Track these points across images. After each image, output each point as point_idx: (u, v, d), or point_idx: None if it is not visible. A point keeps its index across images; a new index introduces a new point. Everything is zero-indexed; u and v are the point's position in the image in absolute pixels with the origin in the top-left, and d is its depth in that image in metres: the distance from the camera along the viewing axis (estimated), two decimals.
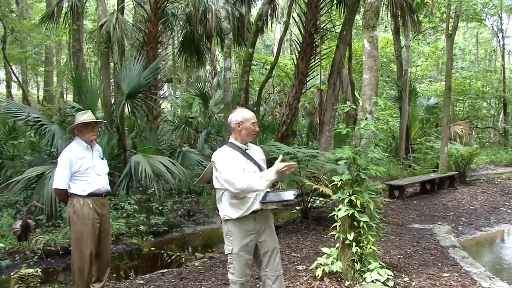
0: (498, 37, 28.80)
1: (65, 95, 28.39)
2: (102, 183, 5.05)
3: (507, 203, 12.07)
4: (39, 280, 5.45)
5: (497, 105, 29.05)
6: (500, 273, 7.20)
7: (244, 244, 3.94)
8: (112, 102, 10.95)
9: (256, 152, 4.14)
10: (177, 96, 22.77)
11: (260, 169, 4.00)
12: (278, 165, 3.79)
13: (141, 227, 8.83)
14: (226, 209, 3.94)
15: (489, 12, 25.72)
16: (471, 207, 11.46)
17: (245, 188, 3.74)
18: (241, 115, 4.01)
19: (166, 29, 15.25)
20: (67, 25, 15.83)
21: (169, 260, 7.81)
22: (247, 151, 4.03)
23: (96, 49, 14.23)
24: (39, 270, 5.73)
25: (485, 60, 36.17)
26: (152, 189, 9.56)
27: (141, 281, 6.09)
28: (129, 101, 10.41)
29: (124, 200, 9.37)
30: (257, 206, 3.91)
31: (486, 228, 9.93)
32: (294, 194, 3.94)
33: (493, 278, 6.12)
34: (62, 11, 13.06)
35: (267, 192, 3.94)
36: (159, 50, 13.87)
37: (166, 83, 25.26)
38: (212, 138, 15.14)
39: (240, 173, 3.82)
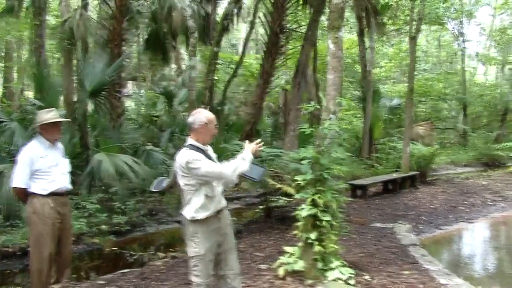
0: (459, 40, 29.40)
1: (25, 92, 27.82)
2: (63, 182, 4.96)
3: (465, 202, 12.37)
4: None
5: (457, 107, 29.65)
6: (457, 269, 7.36)
7: (210, 244, 3.96)
8: (75, 99, 10.78)
9: (210, 151, 4.17)
10: (141, 95, 22.51)
11: None
12: (250, 146, 4.03)
13: (103, 226, 8.71)
14: (194, 210, 3.93)
15: (450, 16, 26.24)
16: (431, 206, 11.69)
17: (232, 172, 3.90)
18: (205, 116, 4.01)
19: (131, 27, 15.06)
20: (28, 20, 15.50)
21: (131, 260, 7.74)
22: (207, 151, 4.06)
23: (58, 46, 13.98)
24: None
25: (446, 62, 36.80)
26: (115, 188, 9.45)
27: (102, 282, 6.00)
28: (92, 99, 10.27)
29: (86, 199, 9.23)
30: (222, 204, 4.02)
31: (445, 227, 10.15)
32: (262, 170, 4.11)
33: (451, 275, 6.29)
34: (23, 5, 12.79)
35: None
36: (123, 48, 13.70)
37: (131, 81, 25.00)
38: (176, 137, 15.03)
39: (218, 164, 3.99)
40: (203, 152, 3.99)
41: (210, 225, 3.96)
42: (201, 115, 4.02)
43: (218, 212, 4.00)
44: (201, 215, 3.91)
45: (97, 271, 6.96)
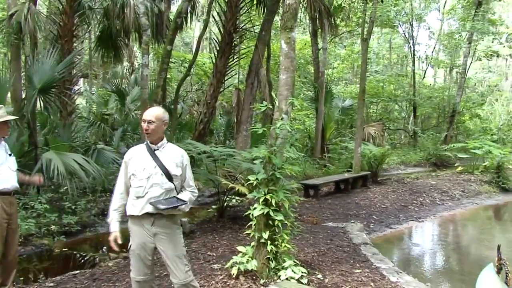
0: (409, 43, 30.06)
1: None
2: (10, 181, 4.84)
3: (415, 202, 12.66)
4: None
5: (407, 108, 30.28)
6: (407, 267, 7.59)
7: (140, 242, 3.96)
8: (23, 96, 10.49)
9: (170, 154, 4.06)
10: (93, 92, 22.14)
11: (166, 173, 3.96)
12: (114, 238, 4.00)
13: (53, 227, 8.49)
14: (127, 206, 4.00)
15: (401, 19, 26.82)
16: (382, 206, 11.91)
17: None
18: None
19: (82, 23, 14.76)
20: None
21: (82, 261, 7.59)
22: (156, 151, 4.01)
23: (5, 40, 13.57)
24: None
25: (397, 64, 37.59)
26: (65, 188, 9.26)
27: (51, 284, 5.86)
28: (41, 96, 10.02)
29: (35, 199, 8.99)
30: (149, 209, 3.90)
31: (395, 226, 10.40)
32: (183, 200, 3.94)
33: (401, 272, 6.47)
34: None
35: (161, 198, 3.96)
36: (74, 44, 13.43)
37: (82, 79, 24.53)
38: (128, 136, 14.86)
39: (119, 187, 4.11)
40: (151, 151, 4.00)
41: (141, 224, 3.95)
42: None
43: (151, 215, 3.92)
44: (129, 210, 3.97)
45: (46, 273, 6.78)
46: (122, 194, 4.08)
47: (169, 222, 4.00)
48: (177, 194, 4.01)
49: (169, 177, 3.95)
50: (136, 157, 4.02)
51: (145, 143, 4.07)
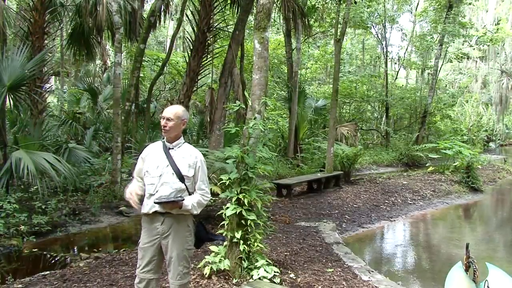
0: (382, 44, 30.37)
1: None
2: None
3: (386, 201, 12.80)
4: None
5: (380, 109, 30.58)
6: (378, 266, 7.69)
7: (148, 240, 3.96)
8: None
9: (184, 154, 4.01)
10: (64, 91, 21.87)
11: (178, 172, 3.92)
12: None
13: (22, 227, 8.34)
14: (143, 204, 4.00)
15: (374, 21, 27.10)
16: (354, 205, 12.01)
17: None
18: None
19: (54, 20, 14.54)
20: None
21: (52, 262, 7.49)
22: (170, 150, 4.00)
23: None
24: None
25: (370, 65, 37.93)
26: (35, 187, 9.12)
27: (20, 285, 5.77)
28: (11, 94, 9.86)
29: (3, 199, 8.82)
30: (157, 208, 3.88)
31: (367, 225, 10.51)
32: (179, 196, 3.89)
33: (372, 271, 6.55)
34: None
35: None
36: (45, 41, 13.21)
37: (53, 76, 24.24)
38: (100, 135, 14.70)
39: (136, 177, 4.13)
40: (165, 148, 4.00)
41: (151, 223, 3.96)
42: None
43: (161, 214, 3.90)
44: (142, 208, 3.97)
45: (15, 274, 6.66)
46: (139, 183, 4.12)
47: (178, 222, 3.96)
48: (189, 195, 3.95)
49: (180, 177, 3.91)
50: (151, 154, 4.04)
51: (162, 140, 4.06)
